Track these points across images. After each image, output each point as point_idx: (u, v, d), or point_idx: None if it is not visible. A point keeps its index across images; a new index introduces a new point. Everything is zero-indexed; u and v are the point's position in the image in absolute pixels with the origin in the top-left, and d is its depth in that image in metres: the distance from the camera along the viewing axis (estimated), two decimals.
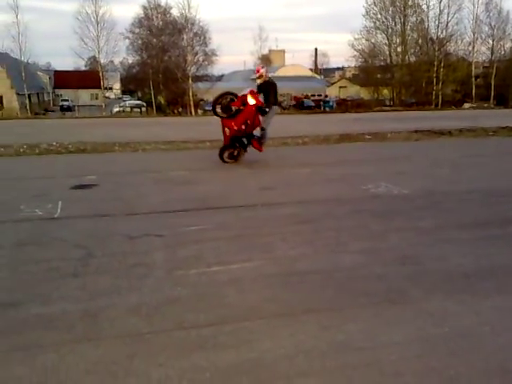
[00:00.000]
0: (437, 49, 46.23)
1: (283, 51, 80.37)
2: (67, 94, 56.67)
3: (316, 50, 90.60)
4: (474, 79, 47.00)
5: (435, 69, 45.21)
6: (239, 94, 9.47)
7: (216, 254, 4.59)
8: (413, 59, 49.21)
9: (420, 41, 49.14)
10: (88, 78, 51.59)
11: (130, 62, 49.93)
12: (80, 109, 44.01)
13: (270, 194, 7.19)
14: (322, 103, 50.17)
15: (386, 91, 50.44)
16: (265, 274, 4.12)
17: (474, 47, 47.26)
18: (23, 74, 41.98)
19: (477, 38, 47.04)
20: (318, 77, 77.34)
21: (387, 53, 49.74)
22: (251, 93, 9.28)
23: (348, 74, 74.75)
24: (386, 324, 3.25)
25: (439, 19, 46.46)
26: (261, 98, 9.42)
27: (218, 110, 9.42)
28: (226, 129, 9.36)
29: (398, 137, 14.97)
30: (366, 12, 48.87)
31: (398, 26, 49.07)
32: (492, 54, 48.25)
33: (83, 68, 58.55)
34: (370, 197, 6.99)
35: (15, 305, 3.55)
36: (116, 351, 2.94)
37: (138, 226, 5.53)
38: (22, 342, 3.05)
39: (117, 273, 4.14)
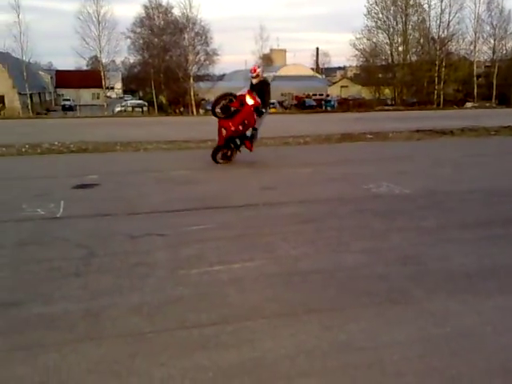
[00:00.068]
0: (438, 48, 46.12)
1: (284, 51, 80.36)
2: (69, 94, 56.70)
3: (317, 49, 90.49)
4: (475, 78, 46.89)
5: (437, 68, 45.10)
6: (237, 94, 9.45)
7: (218, 253, 4.59)
8: (414, 59, 49.11)
9: (421, 40, 49.03)
10: (89, 77, 51.59)
11: (132, 61, 49.91)
12: (82, 108, 44.03)
13: (272, 194, 7.19)
14: (323, 103, 50.11)
15: (387, 91, 50.37)
16: (266, 273, 4.12)
17: (475, 46, 47.17)
18: (25, 74, 41.95)
19: (478, 38, 46.96)
20: (319, 76, 77.26)
21: (389, 52, 49.67)
22: (249, 93, 9.27)
23: (349, 74, 74.64)
24: (388, 324, 3.25)
25: (441, 18, 46.39)
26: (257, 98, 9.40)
27: (218, 110, 9.41)
28: (223, 129, 9.29)
29: (400, 136, 14.95)
30: (368, 11, 48.83)
31: (400, 26, 49.01)
32: (494, 53, 48.12)
33: (85, 68, 58.49)
34: (372, 196, 6.99)
35: (17, 304, 3.56)
36: (118, 350, 2.94)
37: (139, 225, 5.54)
38: (23, 341, 3.05)
39: (119, 272, 4.14)
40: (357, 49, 49.69)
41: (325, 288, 3.82)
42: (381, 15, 48.88)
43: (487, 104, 41.89)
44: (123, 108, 44.20)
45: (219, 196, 7.06)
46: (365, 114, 29.38)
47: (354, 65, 56.77)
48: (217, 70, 56.12)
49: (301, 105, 49.61)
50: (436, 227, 5.42)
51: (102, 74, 43.60)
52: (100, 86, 44.98)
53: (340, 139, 14.20)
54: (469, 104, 42.25)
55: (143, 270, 4.20)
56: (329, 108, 45.07)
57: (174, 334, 3.12)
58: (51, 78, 63.16)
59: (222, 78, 61.41)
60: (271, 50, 68.46)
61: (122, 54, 65.11)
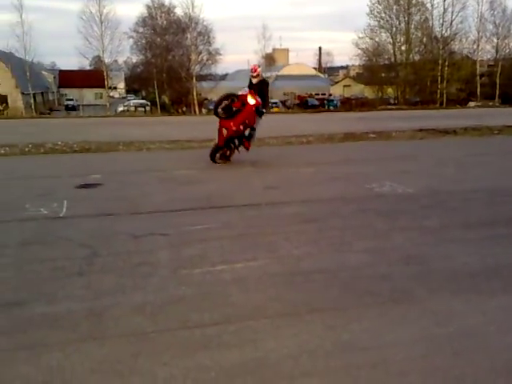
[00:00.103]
0: (441, 47, 45.98)
1: (287, 50, 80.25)
2: (72, 94, 56.90)
3: (320, 48, 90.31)
4: (478, 78, 46.72)
5: (440, 67, 44.96)
6: (239, 93, 9.45)
7: (220, 253, 4.59)
8: (417, 58, 48.98)
9: (424, 39, 48.88)
10: (92, 77, 51.76)
11: (134, 61, 50.02)
12: (84, 108, 44.19)
13: (274, 193, 7.19)
14: (326, 102, 50.12)
15: (390, 90, 50.24)
16: (269, 273, 4.12)
17: (478, 46, 46.95)
18: (28, 74, 42.08)
19: (481, 37, 46.69)
20: (322, 75, 77.18)
21: (391, 51, 49.57)
22: (251, 93, 9.26)
23: (352, 73, 74.60)
24: (391, 324, 3.25)
25: (443, 18, 46.21)
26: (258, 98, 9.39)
27: (220, 110, 9.42)
28: (224, 129, 9.28)
29: (403, 136, 14.92)
30: (370, 11, 48.72)
31: (402, 25, 48.87)
32: (497, 52, 47.91)
33: (88, 67, 58.58)
34: (375, 196, 6.97)
35: (20, 304, 3.57)
36: (121, 350, 2.95)
37: (142, 225, 5.54)
38: (27, 341, 3.06)
39: (121, 272, 4.15)
40: (359, 48, 49.66)
41: (327, 288, 3.81)
42: (383, 14, 48.81)
43: (490, 103, 41.76)
44: (126, 108, 44.24)
45: (222, 195, 7.06)
46: (367, 113, 29.34)
47: (357, 64, 56.72)
48: (219, 69, 56.35)
49: (303, 104, 49.57)
50: (439, 227, 5.41)
51: (105, 73, 43.63)
52: (103, 86, 45.02)
53: (343, 138, 14.19)
54: (472, 103, 42.06)
55: (146, 269, 4.20)
56: (331, 107, 45.06)
57: (177, 334, 3.12)
58: (54, 77, 63.34)
59: (224, 77, 61.34)
60: (274, 49, 68.35)
61: (124, 53, 65.43)
